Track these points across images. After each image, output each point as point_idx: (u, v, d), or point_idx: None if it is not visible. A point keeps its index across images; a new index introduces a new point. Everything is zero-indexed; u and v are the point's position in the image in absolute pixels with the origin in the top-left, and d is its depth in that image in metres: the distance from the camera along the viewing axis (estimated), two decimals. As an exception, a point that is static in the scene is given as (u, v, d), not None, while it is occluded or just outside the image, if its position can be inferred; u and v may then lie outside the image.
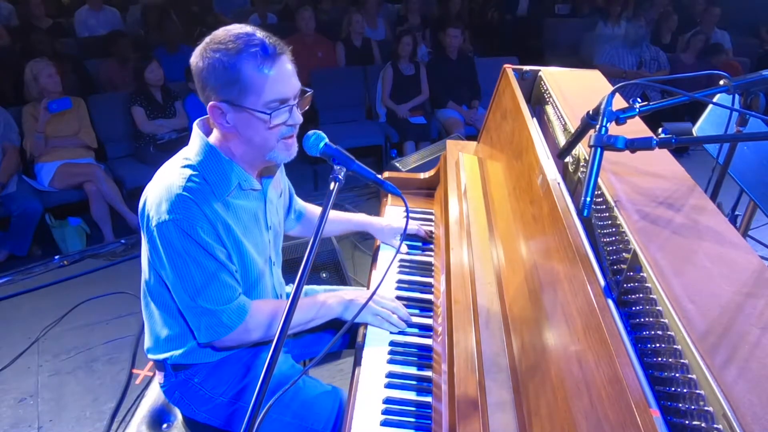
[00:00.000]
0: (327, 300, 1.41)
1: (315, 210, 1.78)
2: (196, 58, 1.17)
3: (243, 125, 1.19)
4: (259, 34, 1.16)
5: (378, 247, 1.77)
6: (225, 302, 1.24)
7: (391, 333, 1.40)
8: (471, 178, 1.74)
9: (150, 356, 1.41)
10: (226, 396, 1.38)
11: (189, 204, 1.17)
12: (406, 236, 1.78)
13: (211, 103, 1.17)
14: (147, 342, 1.42)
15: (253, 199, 1.33)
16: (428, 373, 1.28)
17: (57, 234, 3.63)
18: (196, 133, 1.27)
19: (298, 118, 1.23)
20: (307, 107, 1.27)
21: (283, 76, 1.17)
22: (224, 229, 1.24)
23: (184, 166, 1.22)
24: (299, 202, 1.73)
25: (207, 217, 1.19)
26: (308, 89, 1.25)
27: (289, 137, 1.24)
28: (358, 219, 1.81)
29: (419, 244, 1.80)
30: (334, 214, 1.78)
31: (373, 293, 1.23)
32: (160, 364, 1.41)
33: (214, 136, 1.27)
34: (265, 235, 1.38)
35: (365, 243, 3.51)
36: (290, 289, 1.23)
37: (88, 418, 2.33)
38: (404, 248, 1.74)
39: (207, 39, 1.17)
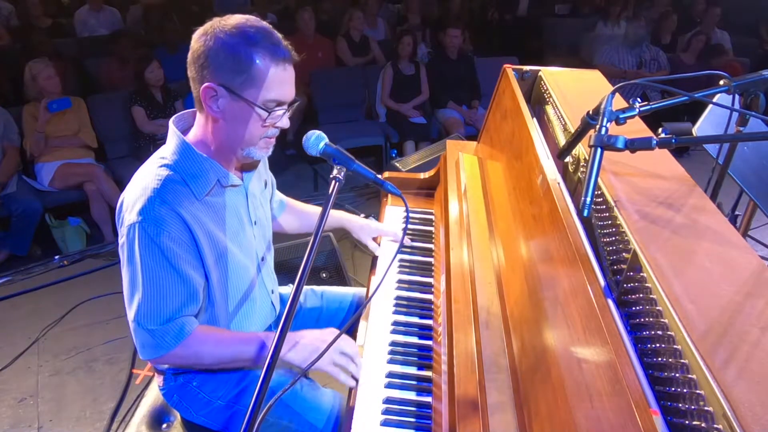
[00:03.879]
0: (286, 349, 1.24)
1: (296, 204, 1.76)
2: (204, 36, 1.13)
3: (233, 115, 1.17)
4: (276, 33, 1.17)
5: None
6: (163, 322, 1.18)
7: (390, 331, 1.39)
8: (471, 178, 1.74)
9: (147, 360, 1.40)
10: (224, 399, 1.38)
11: (161, 207, 1.14)
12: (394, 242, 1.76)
13: (207, 83, 1.13)
14: None
15: (234, 195, 1.30)
16: (428, 373, 1.28)
17: (57, 234, 3.63)
18: (172, 131, 1.24)
19: (287, 122, 1.24)
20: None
21: (288, 80, 1.18)
22: (203, 232, 1.20)
23: (161, 166, 1.19)
24: (279, 195, 1.69)
25: (183, 219, 1.16)
26: (298, 99, 1.25)
27: (271, 138, 1.25)
28: (337, 215, 1.78)
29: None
30: (314, 209, 1.78)
31: (364, 306, 1.19)
32: (159, 369, 1.41)
33: (193, 134, 1.25)
34: (249, 231, 1.36)
35: (365, 243, 3.50)
36: (290, 289, 1.23)
37: (88, 418, 2.32)
38: (394, 250, 1.71)
39: (218, 20, 1.14)
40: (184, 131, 1.26)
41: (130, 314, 1.19)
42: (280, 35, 1.17)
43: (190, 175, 1.20)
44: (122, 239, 1.17)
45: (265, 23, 1.17)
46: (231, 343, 1.27)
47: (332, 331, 1.28)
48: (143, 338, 1.19)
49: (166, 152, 1.23)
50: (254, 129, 1.19)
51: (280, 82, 1.16)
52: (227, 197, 1.28)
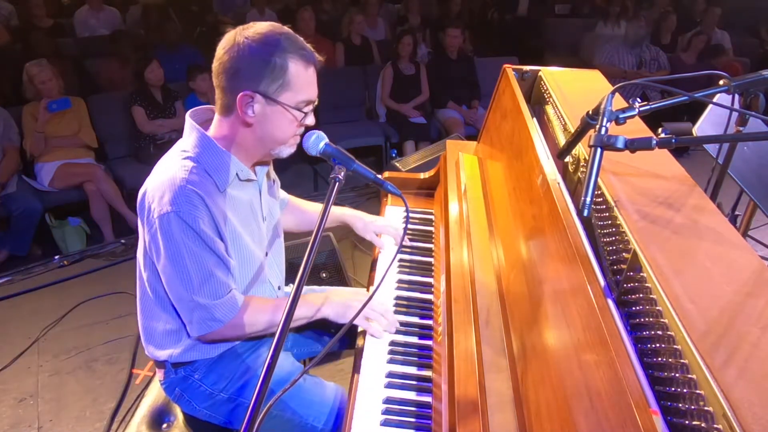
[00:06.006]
0: (320, 304, 1.38)
1: (298, 202, 1.78)
2: (235, 47, 1.18)
3: (269, 119, 1.23)
4: (300, 37, 1.24)
5: (378, 251, 1.77)
6: (218, 297, 1.25)
7: (389, 333, 1.40)
8: (471, 178, 1.74)
9: (149, 353, 1.41)
10: (227, 392, 1.39)
11: (192, 196, 1.18)
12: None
13: (244, 92, 1.18)
14: (144, 340, 1.41)
15: (249, 190, 1.35)
16: (428, 373, 1.28)
17: (57, 234, 3.63)
18: (191, 125, 1.28)
19: (313, 119, 1.30)
20: None
21: (314, 80, 1.27)
22: (225, 222, 1.26)
23: (185, 158, 1.24)
24: (282, 193, 1.72)
25: (209, 209, 1.21)
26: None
27: (299, 135, 1.30)
28: (338, 211, 1.79)
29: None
30: (314, 207, 1.80)
31: (369, 298, 1.19)
32: (159, 362, 1.41)
33: (214, 128, 1.29)
34: (261, 226, 1.41)
35: (365, 243, 3.49)
36: (290, 288, 1.23)
37: (88, 418, 2.33)
38: (394, 250, 1.72)
39: (242, 29, 1.20)
40: (200, 125, 1.30)
41: (186, 294, 1.24)
42: (302, 38, 1.24)
43: (213, 168, 1.25)
44: (153, 228, 1.21)
45: (287, 28, 1.23)
46: (278, 307, 1.33)
47: (361, 292, 1.52)
48: (201, 313, 1.25)
49: (186, 145, 1.27)
50: (289, 129, 1.26)
51: (309, 83, 1.24)
52: (244, 191, 1.34)
